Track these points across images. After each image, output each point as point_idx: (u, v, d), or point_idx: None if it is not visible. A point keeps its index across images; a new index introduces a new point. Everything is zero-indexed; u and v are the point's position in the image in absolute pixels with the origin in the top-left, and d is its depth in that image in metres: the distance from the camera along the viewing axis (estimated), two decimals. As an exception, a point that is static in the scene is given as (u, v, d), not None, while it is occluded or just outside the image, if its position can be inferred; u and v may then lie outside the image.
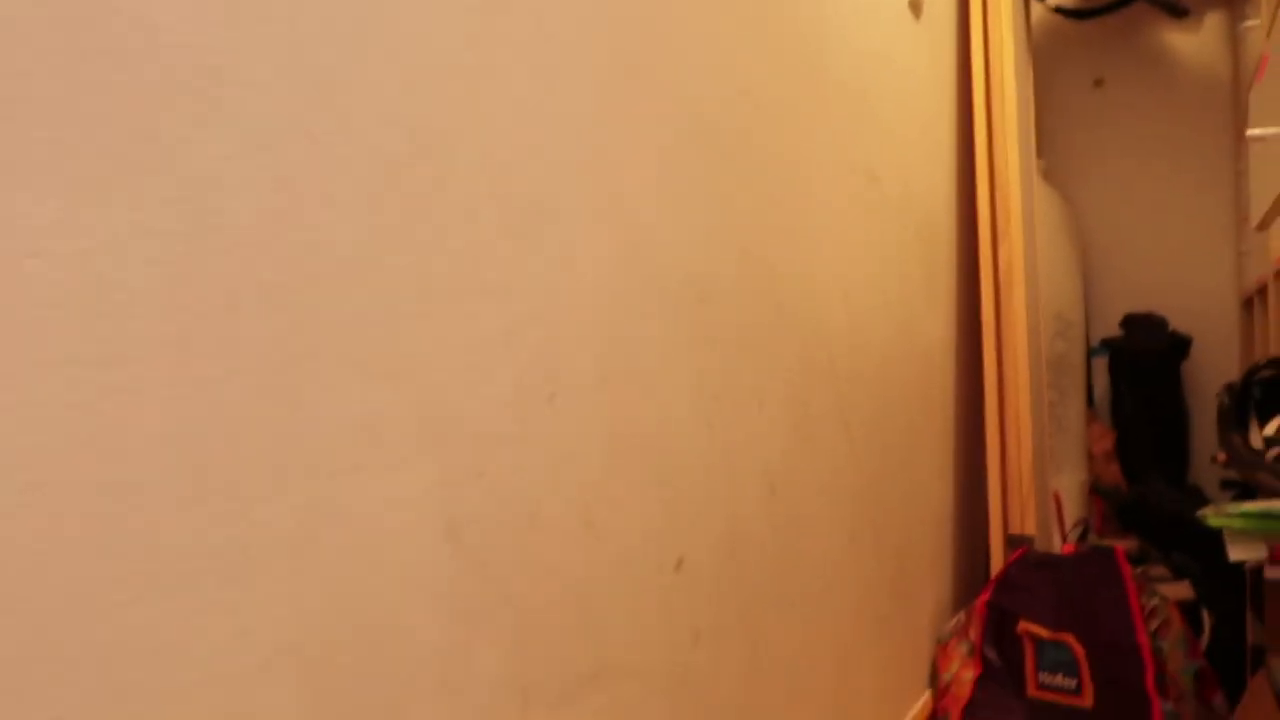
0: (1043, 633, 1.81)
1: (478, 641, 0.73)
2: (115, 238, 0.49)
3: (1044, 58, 3.05)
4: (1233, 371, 2.59)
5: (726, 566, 1.11)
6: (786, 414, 1.30)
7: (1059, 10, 3.09)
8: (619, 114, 0.94)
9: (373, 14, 0.67)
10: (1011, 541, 2.08)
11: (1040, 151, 2.87)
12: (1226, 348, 2.98)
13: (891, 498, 1.74)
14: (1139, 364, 2.97)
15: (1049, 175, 3.00)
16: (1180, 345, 2.99)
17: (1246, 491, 2.06)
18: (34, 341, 0.46)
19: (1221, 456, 2.17)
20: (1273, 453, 1.84)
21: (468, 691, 0.72)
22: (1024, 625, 1.84)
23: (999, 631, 1.87)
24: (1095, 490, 2.75)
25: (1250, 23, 2.58)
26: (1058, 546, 2.32)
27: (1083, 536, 2.60)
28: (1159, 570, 2.30)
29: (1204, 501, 2.59)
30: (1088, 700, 1.77)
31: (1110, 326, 3.08)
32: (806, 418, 1.36)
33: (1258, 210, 1.69)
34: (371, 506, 0.65)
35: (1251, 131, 1.60)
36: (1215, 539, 1.79)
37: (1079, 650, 1.79)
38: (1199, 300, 3.04)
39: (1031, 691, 1.83)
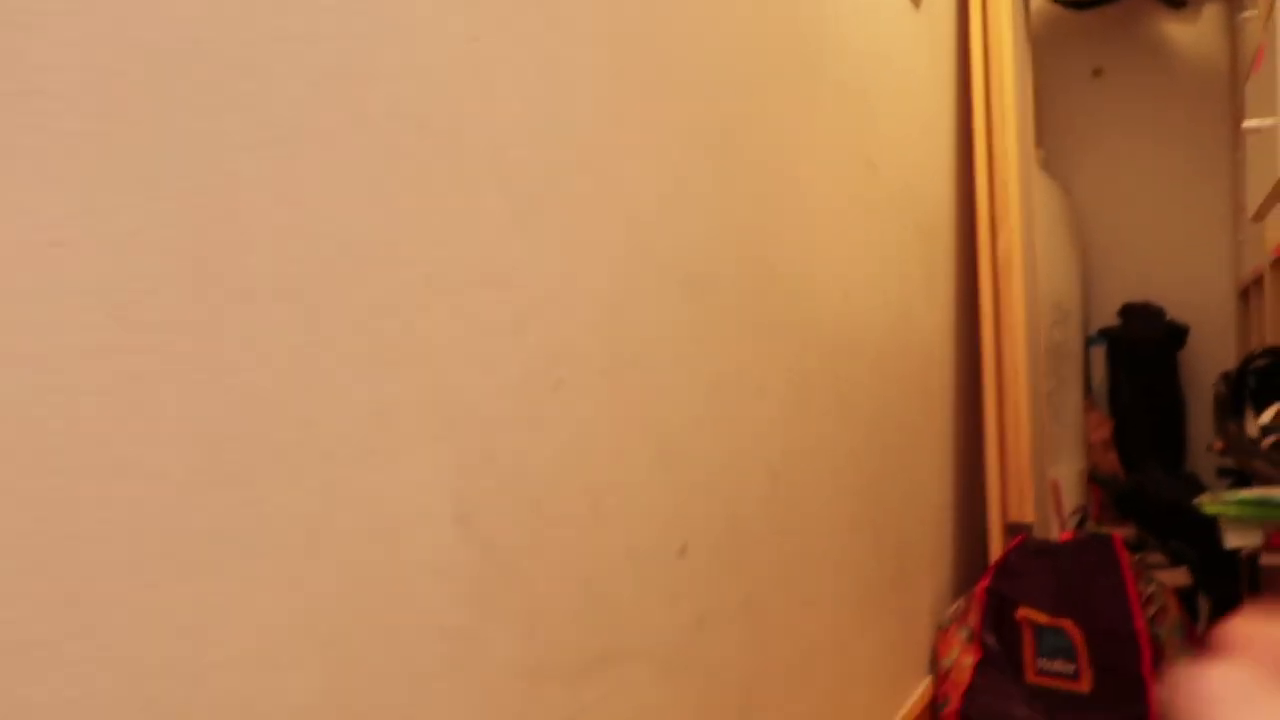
0: (1041, 619, 1.83)
1: (488, 623, 0.75)
2: (134, 228, 0.51)
3: (1043, 47, 3.06)
4: (1229, 360, 2.60)
5: (729, 552, 1.13)
6: (787, 402, 1.31)
7: (1058, 0, 3.09)
8: (623, 105, 0.95)
9: (382, 6, 0.67)
10: (1010, 529, 2.09)
11: (1039, 141, 2.88)
12: (1223, 337, 2.99)
13: (891, 485, 1.76)
14: (1136, 353, 2.99)
15: (1047, 165, 3.01)
16: (1177, 334, 3.01)
17: (1243, 479, 2.08)
18: (58, 329, 0.47)
19: (1218, 444, 2.19)
20: (1268, 440, 1.85)
21: (479, 672, 0.73)
22: (1023, 611, 1.85)
23: (998, 618, 1.89)
24: (1093, 478, 2.77)
25: (1248, 13, 2.59)
26: (1056, 534, 2.34)
27: (1081, 524, 2.62)
28: (1156, 557, 2.31)
29: (1201, 489, 2.61)
30: (1086, 685, 1.79)
31: (1108, 316, 3.10)
32: (806, 406, 1.38)
33: (1254, 200, 1.71)
34: (384, 491, 0.66)
35: (1247, 124, 1.61)
36: (1212, 526, 1.81)
37: (1077, 636, 1.80)
38: (1196, 290, 3.06)
39: (1030, 677, 1.85)
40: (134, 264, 0.51)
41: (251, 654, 0.57)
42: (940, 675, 1.93)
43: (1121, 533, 2.06)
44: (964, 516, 2.22)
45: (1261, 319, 2.47)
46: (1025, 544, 1.97)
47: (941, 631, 1.99)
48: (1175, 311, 3.03)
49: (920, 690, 1.90)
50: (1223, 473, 2.39)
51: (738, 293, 1.17)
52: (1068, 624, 1.81)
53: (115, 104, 0.50)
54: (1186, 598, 2.05)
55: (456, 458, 0.72)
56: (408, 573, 0.67)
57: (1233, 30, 2.98)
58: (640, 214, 0.97)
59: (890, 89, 1.81)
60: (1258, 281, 2.47)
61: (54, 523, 0.47)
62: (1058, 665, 1.82)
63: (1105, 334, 3.05)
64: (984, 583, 1.93)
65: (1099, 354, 3.07)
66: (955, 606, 2.00)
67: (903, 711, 1.79)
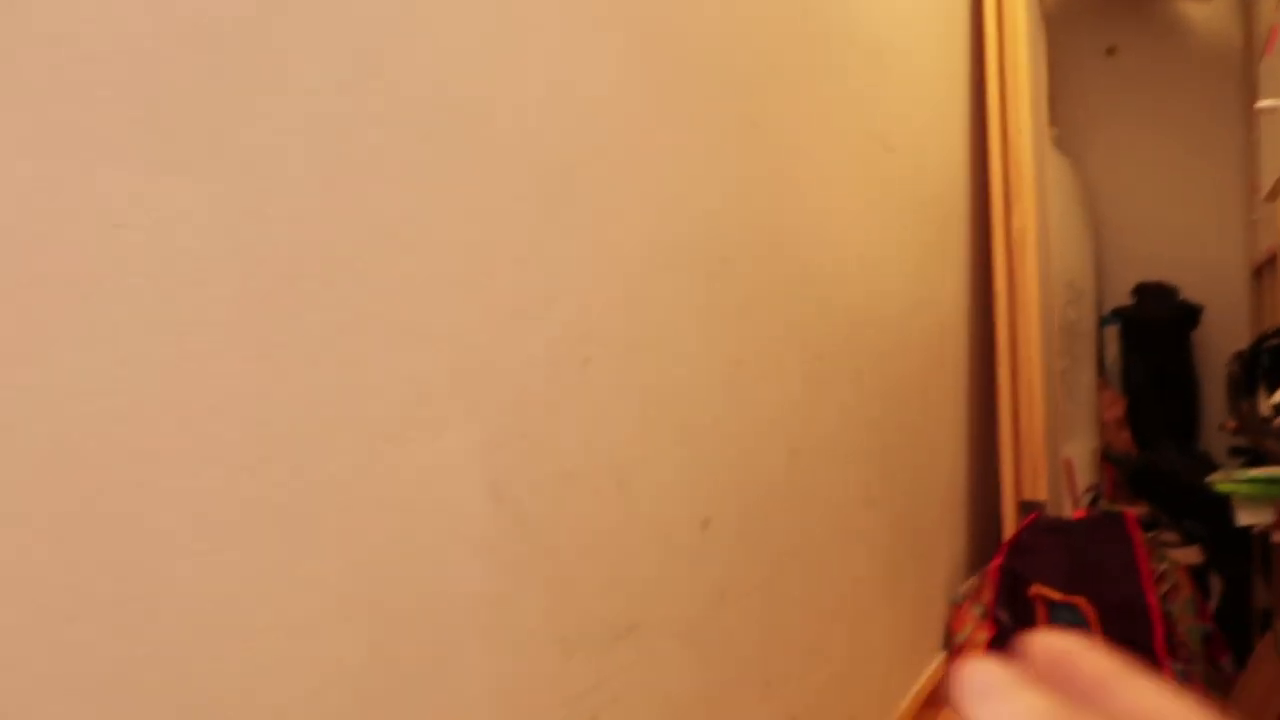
0: (1054, 595, 1.85)
1: (520, 594, 0.77)
2: (189, 209, 0.53)
3: (1056, 26, 3.04)
4: (1243, 340, 2.61)
5: (750, 527, 1.15)
6: (805, 381, 1.33)
7: (1071, -22, 3.08)
8: (648, 91, 0.97)
9: (416, -8, 0.69)
10: (1024, 507, 2.11)
11: (1052, 120, 2.87)
12: (1236, 316, 2.99)
13: (907, 464, 1.78)
14: (1150, 332, 2.99)
15: (1061, 144, 3.00)
16: (1191, 314, 3.01)
17: (1255, 458, 2.09)
18: (123, 307, 0.49)
19: (1231, 423, 2.20)
20: (1281, 419, 1.86)
21: (511, 639, 0.76)
22: (1036, 588, 1.87)
23: (1011, 594, 1.90)
24: (1106, 457, 2.78)
25: (1264, -9, 2.58)
26: (1069, 512, 2.35)
27: (1094, 502, 2.63)
28: (1169, 536, 2.33)
29: (1213, 468, 2.62)
30: (1098, 661, 1.80)
31: (1121, 295, 3.10)
32: (824, 385, 1.39)
33: (1268, 180, 1.71)
34: (420, 465, 0.68)
35: (1261, 104, 1.61)
36: (1224, 504, 1.82)
37: (1090, 613, 1.82)
38: (1209, 269, 3.05)
39: (1043, 653, 1.86)
40: (185, 244, 0.53)
41: (299, 618, 0.59)
42: (954, 651, 1.95)
43: (1134, 511, 2.07)
44: (978, 494, 2.24)
45: (1275, 298, 2.47)
46: (1038, 522, 1.98)
47: (955, 608, 2.01)
48: (1189, 291, 3.02)
49: (934, 665, 1.92)
50: (1235, 451, 2.40)
51: (757, 273, 1.19)
52: (1080, 601, 1.82)
53: (167, 91, 0.52)
54: (1198, 575, 2.06)
55: (489, 432, 0.74)
56: (445, 543, 0.70)
57: (1247, 10, 2.97)
58: (664, 196, 0.99)
59: (904, 69, 1.82)
60: (1271, 261, 2.47)
61: (119, 496, 0.49)
62: (1070, 641, 1.83)
63: (1119, 313, 3.06)
64: (997, 560, 1.94)
65: (1112, 333, 3.07)
66: (969, 583, 2.02)
67: (917, 686, 1.81)
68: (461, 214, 0.72)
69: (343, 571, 0.62)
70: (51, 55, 0.46)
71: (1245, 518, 1.79)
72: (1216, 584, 2.22)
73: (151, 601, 0.50)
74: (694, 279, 1.04)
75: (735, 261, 1.13)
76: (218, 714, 0.54)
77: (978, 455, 2.23)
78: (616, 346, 0.90)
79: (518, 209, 0.78)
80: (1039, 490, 2.11)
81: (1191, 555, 2.22)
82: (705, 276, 1.06)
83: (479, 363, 0.74)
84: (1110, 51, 3.18)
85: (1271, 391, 1.99)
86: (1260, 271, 2.71)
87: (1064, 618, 1.84)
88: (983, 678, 0.23)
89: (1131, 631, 1.77)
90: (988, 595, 1.93)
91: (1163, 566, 1.84)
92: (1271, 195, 1.73)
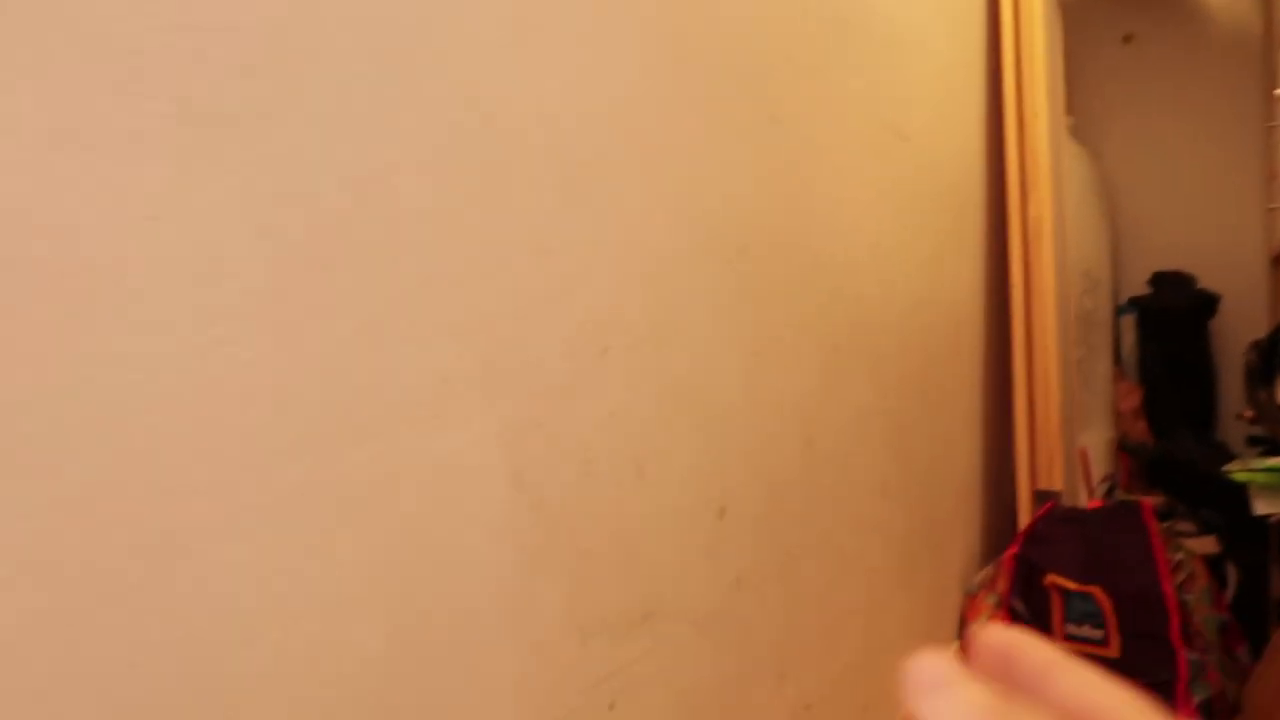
0: (1069, 585, 1.85)
1: (540, 581, 0.78)
2: (220, 201, 0.53)
3: (1072, 13, 3.02)
4: (1261, 329, 2.59)
5: (766, 516, 1.15)
6: (821, 369, 1.33)
7: (1088, -35, 3.06)
8: (663, 77, 0.97)
9: (437, -15, 0.70)
10: (1039, 496, 2.11)
11: (1069, 108, 2.85)
12: (1254, 305, 2.97)
13: (921, 452, 1.78)
14: (1167, 321, 2.97)
15: (1077, 132, 2.98)
16: (1208, 303, 2.98)
17: (1273, 447, 2.08)
18: (156, 297, 0.50)
19: (1248, 413, 2.19)
20: (1300, 408, 1.85)
21: (531, 625, 0.77)
22: (1051, 578, 1.87)
23: (1026, 584, 1.90)
24: (1122, 447, 2.77)
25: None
26: (1084, 502, 2.34)
27: (1109, 492, 2.62)
28: (1185, 526, 2.32)
29: (1230, 457, 2.61)
30: (1114, 650, 1.80)
31: (1138, 284, 3.08)
32: (840, 374, 1.40)
33: (1288, 167, 1.69)
34: (444, 454, 0.69)
35: (1280, 90, 1.60)
36: (1241, 494, 1.82)
37: (1105, 602, 1.82)
38: (1227, 257, 3.03)
39: (1058, 642, 1.86)
40: (214, 236, 0.53)
41: (325, 604, 0.60)
42: (968, 640, 1.95)
43: (1150, 501, 2.06)
44: (993, 484, 2.24)
45: (1294, 287, 2.45)
46: (1054, 511, 1.98)
47: (970, 598, 2.01)
48: (1206, 280, 3.00)
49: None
50: (1252, 441, 2.39)
51: (774, 264, 1.19)
52: (1096, 590, 1.82)
53: (199, 86, 0.52)
54: (1215, 565, 2.05)
55: (510, 421, 0.75)
56: (468, 530, 0.71)
57: (1267, -5, 2.94)
58: (681, 187, 0.99)
59: (920, 58, 1.81)
60: (1290, 249, 2.45)
61: (146, 480, 0.50)
62: (1086, 630, 1.83)
63: (1135, 302, 3.04)
64: (1012, 550, 1.94)
65: (1129, 322, 3.05)
66: (984, 573, 2.02)
67: (932, 675, 1.82)
68: (482, 206, 0.73)
69: (368, 558, 0.63)
70: (89, 51, 0.47)
71: (1262, 507, 1.79)
72: (1233, 573, 2.22)
73: (180, 587, 0.51)
74: (712, 269, 1.04)
75: (752, 252, 1.13)
76: (247, 695, 0.56)
77: (993, 445, 2.23)
78: (635, 336, 0.90)
79: (537, 201, 0.79)
80: (1054, 480, 2.11)
81: (1208, 545, 2.21)
82: (723, 267, 1.07)
83: (500, 352, 0.74)
84: (1127, 39, 3.15)
85: (1289, 381, 1.98)
86: (1278, 260, 2.69)
87: (1079, 607, 1.84)
88: (928, 672, 0.24)
89: (1147, 621, 1.76)
90: (1002, 585, 1.94)
91: (1179, 556, 1.84)
92: (1290, 184, 1.72)
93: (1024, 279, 2.15)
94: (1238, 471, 1.91)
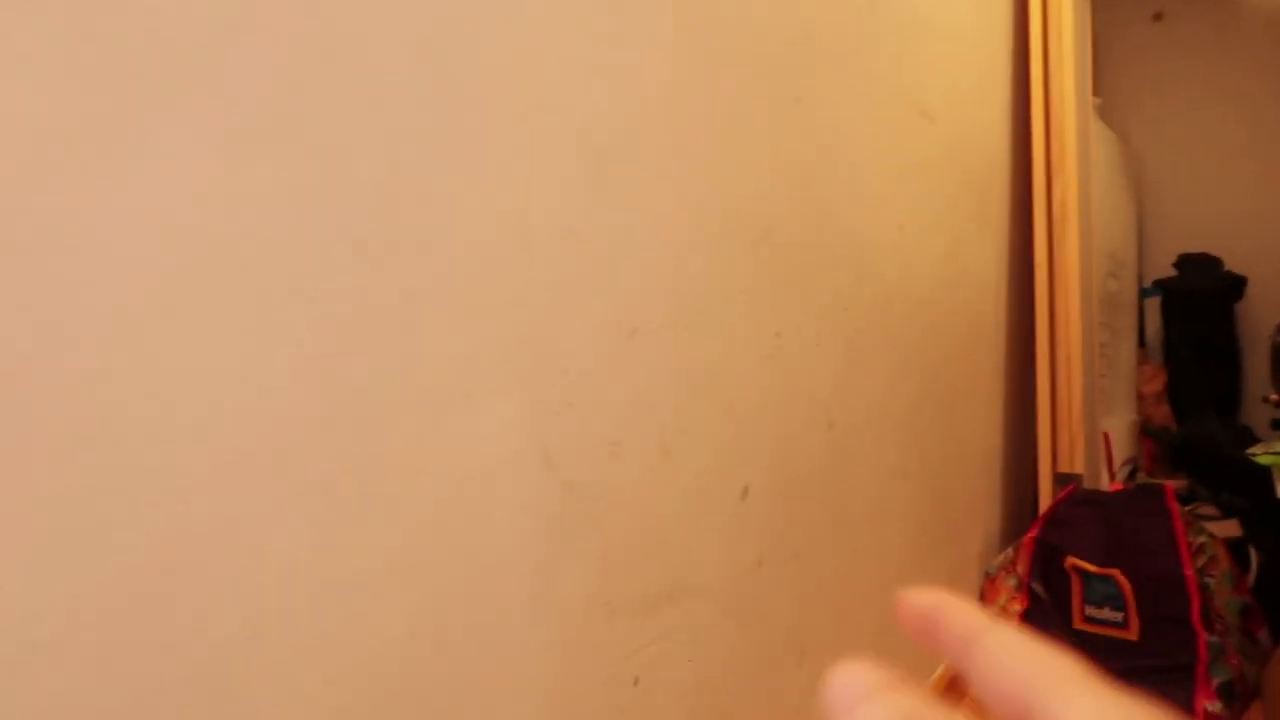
0: (1090, 567, 1.85)
1: (568, 559, 0.79)
2: (261, 187, 0.55)
3: (1102, -9, 2.98)
4: (1288, 312, 2.57)
5: (788, 497, 1.16)
6: (843, 351, 1.34)
7: (1118, -58, 3.01)
8: (691, 60, 0.97)
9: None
10: (1060, 479, 2.10)
11: (1096, 89, 2.82)
12: (1282, 288, 2.94)
13: (944, 436, 1.78)
14: (1192, 304, 2.95)
15: (1105, 113, 2.95)
16: (1235, 285, 2.96)
17: (1298, 431, 2.07)
18: (201, 280, 0.51)
19: (1274, 396, 2.18)
20: (1326, 392, 1.84)
21: (559, 604, 0.78)
22: (1071, 560, 1.87)
23: (1046, 566, 1.91)
24: (1144, 430, 2.76)
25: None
26: (1106, 485, 2.34)
27: (1131, 476, 2.61)
28: (1207, 509, 2.31)
29: (1254, 441, 2.59)
30: (1134, 633, 1.81)
31: (1164, 267, 3.05)
32: (862, 357, 1.40)
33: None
34: (476, 433, 0.70)
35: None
36: (1264, 477, 1.81)
37: (1126, 585, 1.82)
38: (1255, 240, 3.00)
39: (1078, 624, 1.87)
40: (256, 220, 0.55)
41: (358, 581, 0.62)
42: (988, 621, 1.96)
43: (1172, 484, 2.06)
44: (1014, 467, 2.24)
45: (1322, 270, 2.42)
46: (1075, 494, 1.98)
47: (989, 579, 2.01)
48: (1233, 262, 2.98)
49: (968, 635, 1.93)
50: (1277, 424, 2.37)
51: (799, 246, 1.20)
52: (1116, 573, 1.82)
53: (238, 74, 0.54)
54: (1237, 549, 2.05)
55: (540, 402, 0.76)
56: (499, 509, 0.72)
57: (1301, -28, 2.89)
58: (708, 170, 1.00)
59: (945, 39, 1.80)
60: (1320, 232, 2.42)
61: (187, 458, 0.52)
62: (1106, 613, 1.84)
63: (1161, 285, 3.02)
64: (1032, 532, 1.95)
65: (1153, 305, 3.03)
66: (1003, 555, 2.03)
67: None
68: (513, 191, 0.74)
69: (402, 536, 0.64)
70: (134, 43, 0.48)
71: (1286, 491, 1.78)
72: (1255, 557, 2.21)
73: (214, 563, 0.53)
74: (737, 252, 1.05)
75: (778, 235, 1.14)
76: (284, 670, 0.57)
77: (1015, 427, 2.23)
78: (662, 320, 0.91)
79: (564, 182, 0.80)
80: (1076, 463, 2.10)
81: (1230, 528, 2.21)
82: (748, 250, 1.07)
83: (530, 335, 0.75)
84: (1157, 17, 3.11)
85: (1316, 365, 1.97)
86: (1307, 242, 2.66)
87: (1099, 589, 1.84)
88: (848, 684, 0.23)
89: (1168, 604, 1.77)
90: (1022, 567, 1.94)
91: (1200, 539, 1.83)
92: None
93: (1048, 262, 2.13)
94: (1262, 455, 1.91)
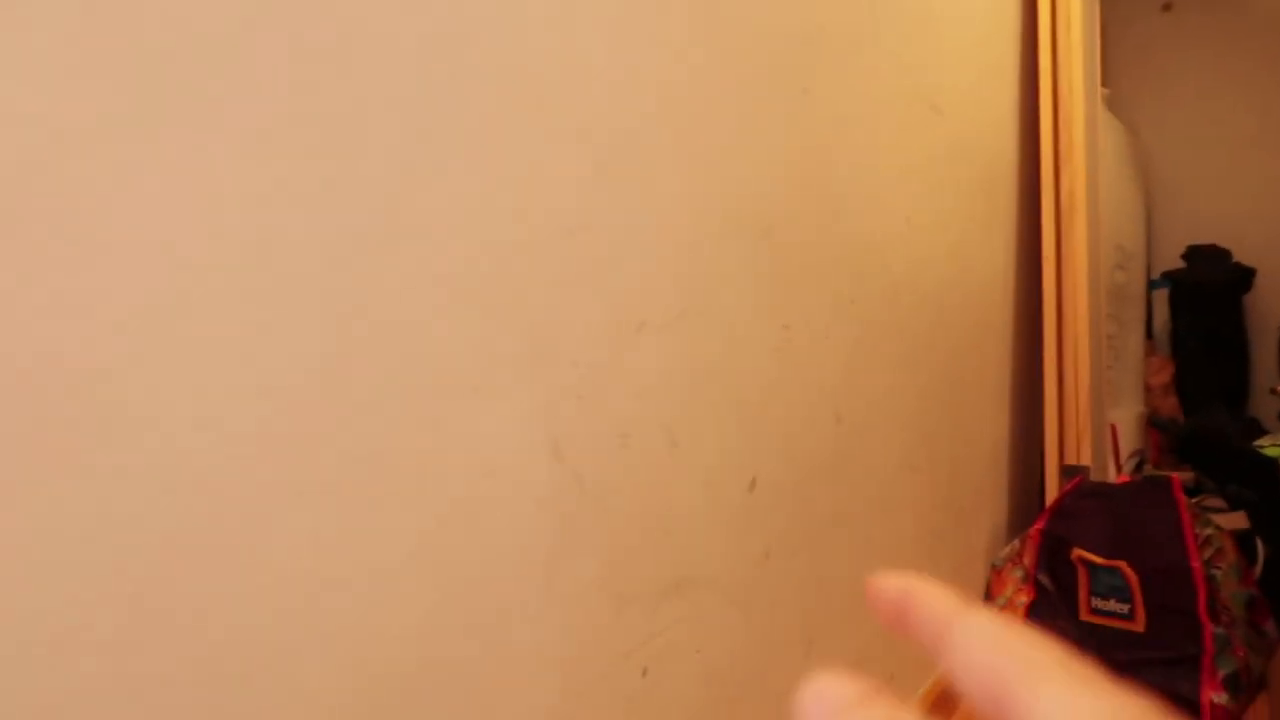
0: (1096, 559, 1.85)
1: (578, 550, 0.80)
2: (274, 185, 0.55)
3: (1111, -19, 2.97)
4: (1297, 303, 2.56)
5: (795, 489, 1.17)
6: (851, 344, 1.34)
7: (1128, -68, 3.00)
8: (698, 53, 0.98)
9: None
10: (1067, 471, 2.11)
11: (1105, 79, 2.81)
12: (1292, 279, 2.94)
13: (950, 428, 1.78)
14: (1201, 296, 2.94)
15: (1113, 104, 2.94)
16: (1244, 277, 2.95)
17: (1306, 423, 2.07)
18: (219, 275, 0.52)
19: (1281, 388, 2.18)
20: (1334, 384, 1.84)
21: (569, 594, 0.79)
22: (1078, 552, 1.87)
23: (1053, 558, 1.91)
24: (1151, 422, 2.76)
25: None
26: (1113, 477, 2.34)
27: (1138, 468, 2.61)
28: (1214, 502, 2.31)
29: (1262, 433, 2.59)
30: (1140, 625, 1.81)
31: (1172, 258, 3.04)
32: (870, 350, 1.40)
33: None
34: (487, 424, 0.71)
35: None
36: (1271, 470, 1.81)
37: (1132, 577, 1.82)
38: (1265, 231, 2.99)
39: (1084, 615, 1.88)
40: (270, 218, 0.55)
41: (372, 571, 0.63)
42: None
43: (1179, 476, 2.06)
44: (1021, 459, 2.24)
45: (1332, 262, 2.42)
46: (1081, 486, 1.98)
47: (995, 571, 2.02)
48: (1242, 253, 2.97)
49: (974, 627, 1.93)
50: (1285, 417, 2.37)
51: (807, 239, 1.20)
52: (1123, 565, 1.83)
53: (259, 68, 0.54)
54: (1243, 541, 2.05)
55: (550, 395, 0.76)
56: (510, 500, 0.73)
57: (1312, -38, 2.87)
58: (716, 163, 1.00)
59: (954, 28, 1.79)
60: (1329, 223, 2.41)
61: (206, 450, 0.53)
62: (1112, 605, 1.84)
63: (1169, 277, 3.01)
64: (1039, 524, 1.95)
65: (1161, 297, 3.03)
66: (1010, 547, 2.03)
67: (956, 646, 1.83)
68: (521, 187, 0.74)
69: (415, 524, 0.65)
70: (149, 42, 0.49)
71: (1293, 483, 1.77)
72: (1261, 549, 2.21)
73: (227, 556, 0.54)
74: (745, 244, 1.05)
75: (785, 227, 1.14)
76: (304, 655, 0.58)
77: (1021, 419, 2.23)
78: (669, 312, 0.92)
79: (571, 176, 0.80)
80: (1083, 455, 2.11)
81: (1237, 520, 2.21)
82: (756, 242, 1.08)
83: (540, 328, 0.76)
84: (1166, 8, 3.10)
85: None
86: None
87: (1105, 581, 1.84)
88: (821, 697, 0.21)
89: (1174, 596, 1.77)
90: (1029, 559, 1.94)
91: (1207, 531, 1.84)
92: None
93: (1056, 254, 2.13)
94: (1269, 447, 1.91)
